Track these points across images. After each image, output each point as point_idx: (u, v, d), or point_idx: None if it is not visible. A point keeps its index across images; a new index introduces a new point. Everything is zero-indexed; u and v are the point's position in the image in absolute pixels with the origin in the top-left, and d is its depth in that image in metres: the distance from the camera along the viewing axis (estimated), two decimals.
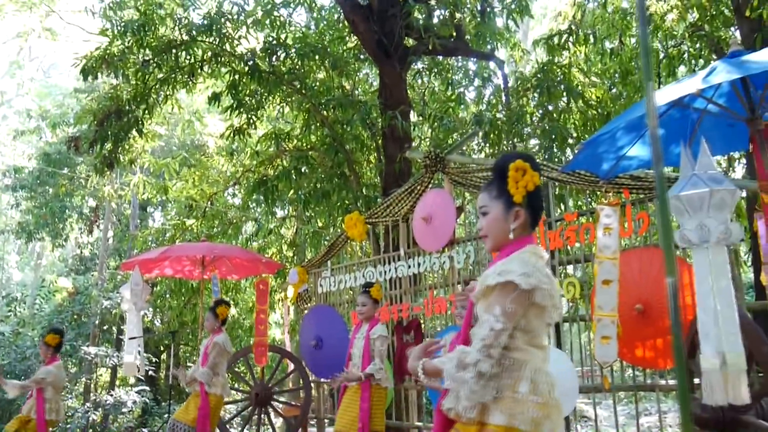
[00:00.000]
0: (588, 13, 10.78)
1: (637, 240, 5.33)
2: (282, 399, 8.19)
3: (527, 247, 2.31)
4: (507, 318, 2.17)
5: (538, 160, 2.77)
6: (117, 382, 15.27)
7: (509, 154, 2.40)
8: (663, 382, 5.32)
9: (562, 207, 6.80)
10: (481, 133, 7.92)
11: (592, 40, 9.43)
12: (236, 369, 9.65)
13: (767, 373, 3.89)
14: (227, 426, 7.88)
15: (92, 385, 13.74)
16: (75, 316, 13.54)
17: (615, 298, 4.55)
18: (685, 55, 9.44)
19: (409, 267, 7.04)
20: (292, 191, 9.71)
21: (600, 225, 4.54)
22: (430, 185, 7.01)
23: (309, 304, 8.13)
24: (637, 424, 5.29)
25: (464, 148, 8.77)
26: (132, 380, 14.68)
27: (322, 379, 7.74)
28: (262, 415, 7.65)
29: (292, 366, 8.02)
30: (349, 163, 9.24)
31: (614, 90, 9.59)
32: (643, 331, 5.10)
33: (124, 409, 12.79)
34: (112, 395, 12.94)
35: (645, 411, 13.35)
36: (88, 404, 12.76)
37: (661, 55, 9.65)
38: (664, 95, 3.40)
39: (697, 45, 9.28)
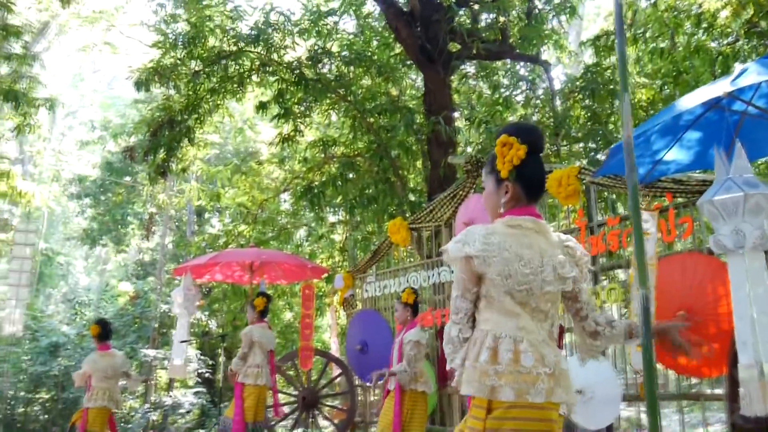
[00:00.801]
0: (640, 12, 10.56)
1: (681, 244, 5.19)
2: (329, 403, 8.27)
3: (505, 218, 2.34)
4: (456, 285, 2.28)
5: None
6: (177, 384, 15.71)
7: (504, 127, 2.42)
8: (708, 391, 5.17)
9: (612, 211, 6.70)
10: None
11: (642, 39, 9.24)
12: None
13: None
14: (275, 427, 8.02)
15: (152, 387, 14.15)
16: (135, 320, 14.00)
17: (653, 304, 4.45)
18: (742, 53, 9.14)
19: (452, 272, 7.03)
20: (338, 197, 9.82)
21: None
22: (473, 190, 7.00)
23: (355, 309, 8.21)
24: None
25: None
26: (191, 382, 15.08)
27: (368, 383, 7.80)
28: (310, 419, 7.77)
29: (338, 370, 8.10)
30: (394, 169, 9.29)
31: (666, 90, 9.35)
32: (687, 338, 4.98)
33: (181, 410, 13.15)
34: (170, 396, 13.33)
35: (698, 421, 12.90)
36: (147, 405, 13.18)
37: (716, 54, 9.36)
38: (693, 98, 3.32)
39: (753, 42, 8.97)
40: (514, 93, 10.27)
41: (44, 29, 17.39)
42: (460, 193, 7.07)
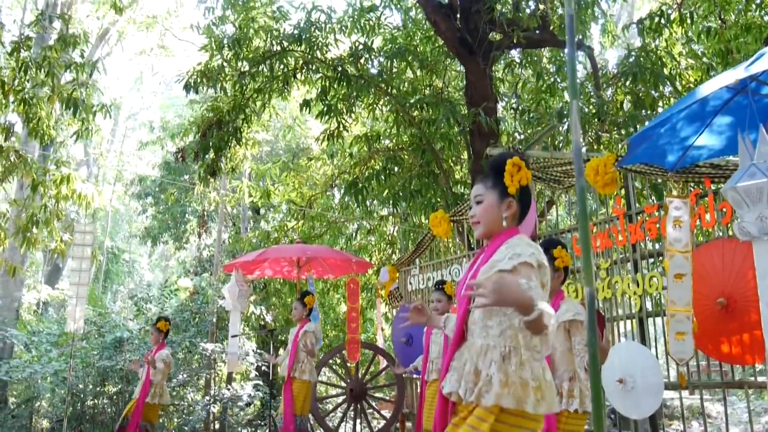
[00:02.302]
0: None
1: (720, 230, 5.09)
2: (377, 394, 8.41)
3: (520, 234, 2.49)
4: (537, 293, 2.29)
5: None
6: (238, 377, 16.14)
7: (505, 152, 2.56)
8: (752, 378, 5.08)
9: (653, 199, 6.60)
10: (564, 125, 7.77)
11: (689, 20, 9.01)
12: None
13: None
14: (325, 420, 8.21)
15: (212, 380, 14.57)
16: (194, 315, 14.44)
17: (689, 292, 4.41)
18: None
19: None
20: (382, 191, 9.94)
21: (669, 218, 4.42)
22: None
23: (400, 302, 8.31)
24: (726, 422, 5.07)
25: (544, 140, 8.64)
26: (252, 375, 15.48)
27: (414, 375, 7.90)
28: (358, 410, 7.93)
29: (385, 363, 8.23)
30: (437, 162, 9.34)
31: (714, 72, 9.09)
32: (728, 325, 4.90)
33: (240, 403, 13.51)
34: (229, 389, 13.71)
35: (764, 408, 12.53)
36: (207, 397, 13.59)
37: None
38: (712, 84, 3.29)
39: None
40: (559, 80, 10.13)
41: (104, 36, 18.07)
42: None
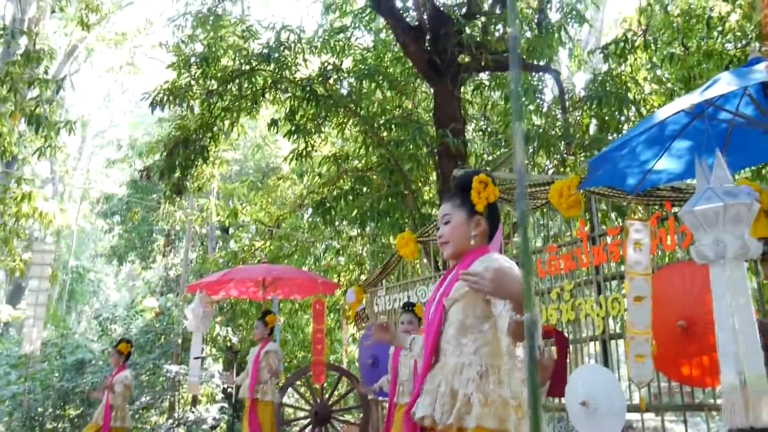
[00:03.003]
0: (653, 17, 10.48)
1: (681, 253, 5.14)
2: (343, 417, 8.30)
3: (491, 251, 2.45)
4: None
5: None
6: (204, 400, 15.85)
7: (472, 170, 2.54)
8: (712, 401, 5.10)
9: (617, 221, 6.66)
10: (530, 148, 7.83)
11: (654, 46, 9.19)
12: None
13: None
14: None
15: (176, 403, 14.31)
16: (159, 336, 14.20)
17: (648, 315, 4.42)
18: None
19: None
20: (350, 212, 9.90)
21: (630, 240, 4.44)
22: None
23: (366, 323, 8.24)
24: None
25: (510, 162, 8.69)
26: (219, 397, 15.22)
27: (380, 397, 7.81)
28: None
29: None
30: (405, 182, 9.34)
31: (677, 96, 9.26)
32: (688, 348, 4.92)
33: (204, 426, 13.27)
34: (193, 412, 13.47)
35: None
36: (171, 420, 13.34)
37: (729, 58, 9.25)
38: (668, 109, 3.32)
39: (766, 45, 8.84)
40: (526, 102, 10.23)
41: (72, 52, 17.87)
42: None
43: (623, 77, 8.87)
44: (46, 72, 9.54)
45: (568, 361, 5.95)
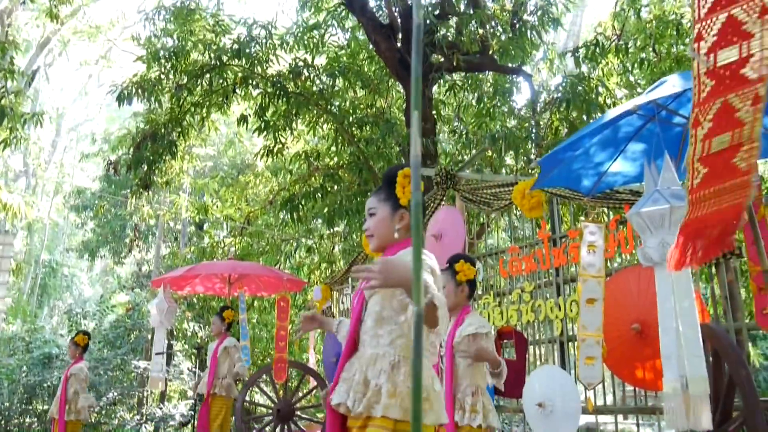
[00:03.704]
0: (627, 22, 10.53)
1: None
2: (304, 415, 8.25)
3: (408, 249, 2.43)
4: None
5: None
6: (176, 396, 15.72)
7: (397, 165, 2.54)
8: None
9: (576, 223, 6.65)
10: (496, 148, 7.83)
11: (625, 50, 9.24)
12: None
13: (745, 398, 3.68)
14: None
15: (144, 399, 14.18)
16: (129, 331, 14.06)
17: (600, 317, 4.43)
18: None
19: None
20: (320, 210, 9.84)
21: (584, 243, 4.44)
22: (443, 202, 6.99)
23: None
24: None
25: (477, 162, 8.71)
26: (189, 393, 15.10)
27: None
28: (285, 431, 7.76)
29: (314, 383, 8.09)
30: (375, 181, 9.31)
31: None
32: (642, 351, 4.93)
33: (172, 422, 13.15)
34: (161, 408, 13.35)
35: None
36: (138, 416, 13.21)
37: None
38: (613, 111, 3.32)
39: None
40: (499, 104, 10.24)
41: (45, 44, 17.63)
42: (431, 205, 7.06)
43: (593, 81, 8.90)
44: (11, 62, 9.36)
45: (526, 362, 5.97)
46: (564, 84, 8.24)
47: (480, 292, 6.65)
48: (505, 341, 6.29)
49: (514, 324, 6.02)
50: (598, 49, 8.86)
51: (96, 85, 26.05)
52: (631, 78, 10.42)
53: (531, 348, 5.97)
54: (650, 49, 9.58)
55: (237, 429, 7.74)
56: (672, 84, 3.10)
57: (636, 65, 9.36)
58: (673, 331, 3.32)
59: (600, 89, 9.09)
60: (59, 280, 25.93)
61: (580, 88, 8.38)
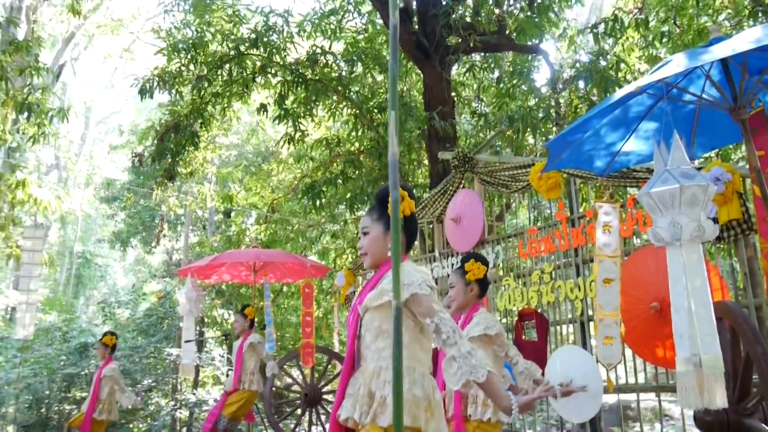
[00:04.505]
0: None
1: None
2: (332, 399, 8.38)
3: (407, 261, 2.55)
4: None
5: None
6: (210, 382, 16.04)
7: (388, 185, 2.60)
8: None
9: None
10: (515, 129, 7.78)
11: (646, 24, 9.09)
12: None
13: (762, 374, 3.67)
14: (280, 425, 8.17)
15: (178, 385, 14.48)
16: (161, 320, 14.35)
17: (617, 297, 4.43)
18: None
19: (443, 267, 7.07)
20: (343, 195, 9.90)
21: (599, 223, 4.44)
22: (461, 185, 7.01)
23: None
24: (661, 423, 5.10)
25: (497, 143, 8.68)
26: (223, 379, 15.38)
27: None
28: (313, 415, 7.90)
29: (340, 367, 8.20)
30: None
31: None
32: (662, 330, 4.92)
33: (206, 407, 13.43)
34: (194, 394, 13.64)
35: None
36: (172, 402, 13.52)
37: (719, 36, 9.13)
38: (619, 92, 3.31)
39: (758, 22, 8.73)
40: (518, 83, 10.17)
41: (70, 39, 17.89)
42: (450, 188, 7.09)
43: (614, 57, 8.78)
44: (36, 60, 9.53)
45: (547, 342, 6.00)
46: (582, 61, 8.15)
47: (501, 274, 6.69)
48: (526, 322, 6.34)
49: (534, 305, 6.04)
50: (617, 24, 8.73)
51: (122, 77, 26.39)
52: (653, 52, 10.27)
53: (552, 328, 5.99)
54: (672, 21, 9.42)
55: (266, 413, 7.90)
56: (676, 63, 3.08)
57: (657, 39, 9.21)
58: (685, 310, 3.32)
59: (621, 65, 8.98)
60: (93, 270, 26.47)
61: (599, 64, 8.30)
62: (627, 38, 9.72)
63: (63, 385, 14.40)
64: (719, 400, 3.22)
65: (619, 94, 3.30)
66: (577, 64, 8.29)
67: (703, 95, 3.92)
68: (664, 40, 9.15)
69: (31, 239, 9.05)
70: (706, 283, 3.35)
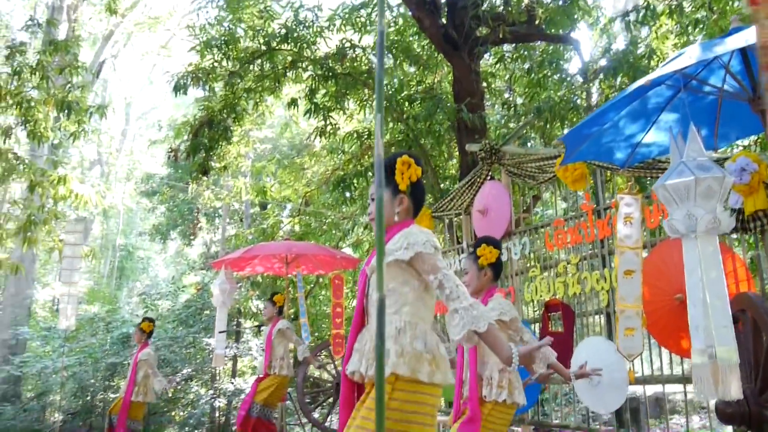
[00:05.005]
0: None
1: None
2: None
3: (412, 225, 2.67)
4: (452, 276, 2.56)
5: None
6: (249, 371, 16.34)
7: (398, 152, 2.73)
8: None
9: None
10: (543, 119, 7.76)
11: (680, 10, 8.95)
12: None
13: None
14: (312, 414, 8.33)
15: (217, 374, 14.79)
16: (199, 311, 14.66)
17: (638, 288, 4.43)
18: None
19: None
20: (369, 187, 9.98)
21: (620, 215, 4.44)
22: (488, 177, 7.03)
23: None
24: (687, 418, 5.09)
25: (524, 133, 8.65)
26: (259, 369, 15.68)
27: None
28: None
29: None
30: (425, 157, 9.38)
31: None
32: (687, 321, 4.90)
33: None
34: (232, 383, 13.93)
35: None
36: (211, 391, 13.82)
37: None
38: (633, 86, 3.32)
39: None
40: (549, 73, 10.11)
41: (109, 37, 18.31)
42: (477, 180, 7.12)
43: (645, 46, 8.68)
44: (75, 59, 9.81)
45: (573, 333, 6.01)
46: (615, 50, 8.08)
47: (528, 265, 6.70)
48: (552, 313, 6.35)
49: (561, 296, 6.05)
50: (649, 12, 8.62)
51: (160, 73, 26.87)
52: (688, 39, 10.09)
53: (578, 320, 6.00)
54: (707, 6, 9.25)
55: (299, 402, 8.07)
56: (689, 55, 3.08)
57: (692, 25, 9.05)
58: (700, 301, 3.33)
59: (653, 54, 8.86)
60: (135, 262, 27.11)
61: (629, 54, 8.21)
62: (660, 25, 9.58)
63: (106, 374, 14.82)
64: (734, 391, 3.23)
65: (633, 86, 3.31)
66: (607, 54, 8.19)
67: (725, 86, 3.90)
68: (700, 26, 8.99)
69: (73, 233, 9.36)
70: (722, 275, 3.35)
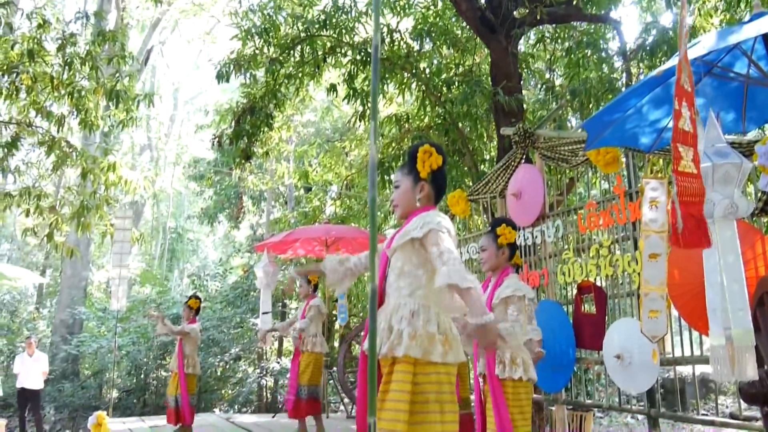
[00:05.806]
0: None
1: None
2: None
3: (432, 209, 2.80)
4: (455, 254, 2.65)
5: None
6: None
7: (420, 142, 2.87)
8: None
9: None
10: (578, 101, 7.76)
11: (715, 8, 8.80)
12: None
13: None
14: (353, 393, 8.57)
15: (264, 354, 15.24)
16: (245, 292, 15.08)
17: (663, 272, 4.48)
18: None
19: None
20: None
21: (646, 199, 4.49)
22: (522, 161, 7.09)
23: None
24: (716, 398, 5.12)
25: (560, 115, 8.63)
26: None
27: None
28: None
29: None
30: (462, 141, 9.45)
31: None
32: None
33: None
34: (278, 363, 14.35)
35: None
36: (258, 370, 14.27)
37: None
38: (652, 73, 3.37)
39: None
40: (589, 54, 10.03)
41: (156, 25, 18.76)
42: (511, 164, 7.19)
43: (690, 24, 8.54)
44: (122, 49, 10.13)
45: (606, 315, 6.07)
46: (648, 30, 8.00)
47: (562, 248, 6.76)
48: (585, 295, 6.42)
49: (593, 278, 6.11)
50: None
51: (206, 59, 27.37)
52: (736, 15, 9.87)
53: (610, 301, 6.05)
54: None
55: (340, 381, 8.31)
56: (703, 45, 3.12)
57: (734, 3, 8.87)
58: (718, 285, 3.40)
59: (696, 33, 8.73)
60: (185, 245, 27.86)
61: (668, 35, 8.11)
62: (705, 2, 9.40)
63: (159, 353, 15.42)
64: (750, 372, 3.30)
65: (652, 74, 3.37)
66: (644, 35, 8.11)
67: (750, 70, 3.91)
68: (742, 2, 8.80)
69: (123, 218, 9.75)
70: (740, 260, 3.40)
